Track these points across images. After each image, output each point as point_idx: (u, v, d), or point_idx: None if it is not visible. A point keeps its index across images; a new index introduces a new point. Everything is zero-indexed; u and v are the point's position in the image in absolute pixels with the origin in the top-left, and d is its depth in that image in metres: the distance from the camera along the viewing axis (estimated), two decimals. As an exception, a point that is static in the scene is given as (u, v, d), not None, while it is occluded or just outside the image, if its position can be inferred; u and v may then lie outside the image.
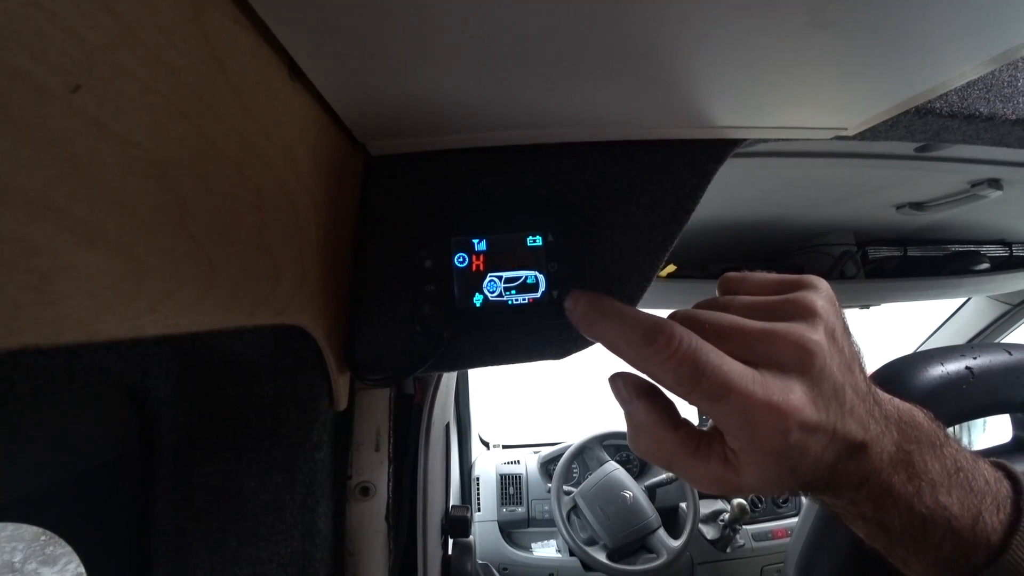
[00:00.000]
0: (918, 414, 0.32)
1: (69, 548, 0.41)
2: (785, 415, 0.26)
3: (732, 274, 0.37)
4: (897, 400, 0.32)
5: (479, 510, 1.81)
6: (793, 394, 0.27)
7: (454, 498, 1.65)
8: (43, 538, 2.58)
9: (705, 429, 0.31)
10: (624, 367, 0.32)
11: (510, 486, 1.86)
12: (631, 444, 0.33)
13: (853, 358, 0.31)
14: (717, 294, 0.36)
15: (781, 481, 0.28)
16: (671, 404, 0.32)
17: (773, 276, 0.35)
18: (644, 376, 0.31)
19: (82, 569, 0.42)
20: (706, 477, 0.29)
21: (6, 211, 0.14)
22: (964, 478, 0.30)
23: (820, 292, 0.32)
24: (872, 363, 0.55)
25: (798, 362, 0.28)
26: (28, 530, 2.49)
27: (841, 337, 0.31)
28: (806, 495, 0.32)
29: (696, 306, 0.34)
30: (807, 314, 0.30)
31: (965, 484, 0.30)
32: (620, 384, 0.33)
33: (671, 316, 0.32)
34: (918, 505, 0.29)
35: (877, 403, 0.31)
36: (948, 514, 0.29)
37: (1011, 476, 0.32)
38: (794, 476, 0.28)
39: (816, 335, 0.29)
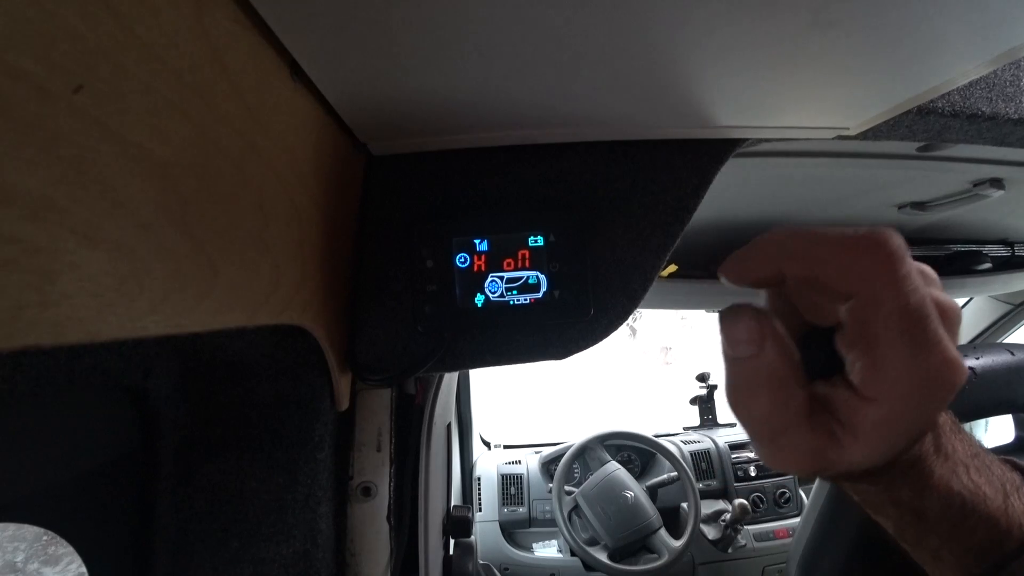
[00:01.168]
0: None
1: (71, 548, 0.41)
2: (962, 374, 0.23)
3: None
4: None
5: (480, 510, 1.81)
6: (894, 238, 0.23)
7: (455, 498, 1.65)
8: (45, 538, 2.58)
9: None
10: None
11: (511, 486, 1.86)
12: (735, 403, 0.26)
13: None
14: (718, 299, 0.33)
15: (885, 458, 0.25)
16: (797, 359, 0.26)
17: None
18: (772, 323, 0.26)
19: (84, 569, 0.42)
20: (808, 450, 0.25)
21: (8, 211, 0.14)
22: (983, 462, 0.30)
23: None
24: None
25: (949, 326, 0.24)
26: (30, 530, 2.49)
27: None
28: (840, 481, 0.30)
29: None
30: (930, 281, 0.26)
31: (986, 467, 0.29)
32: (750, 320, 0.25)
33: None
34: (956, 484, 0.27)
35: None
36: (983, 493, 0.28)
37: (1017, 467, 0.32)
38: (905, 445, 0.25)
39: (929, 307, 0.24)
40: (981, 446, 0.31)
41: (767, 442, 0.25)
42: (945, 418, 0.30)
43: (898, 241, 0.23)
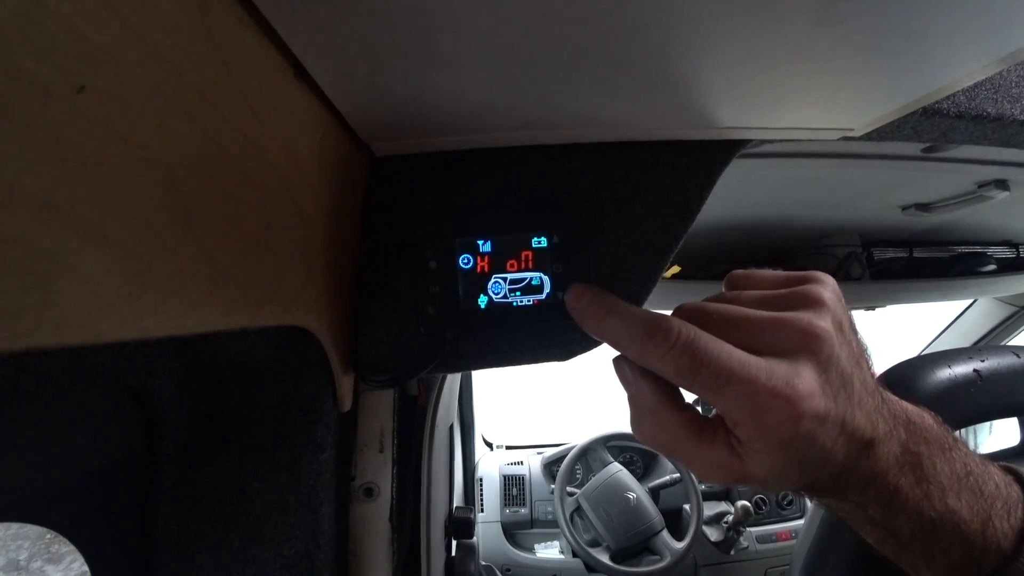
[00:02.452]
0: (927, 417, 0.32)
1: (74, 547, 0.41)
2: (793, 402, 0.26)
3: (738, 271, 0.37)
4: (905, 403, 0.32)
5: (482, 511, 1.81)
6: (801, 380, 0.26)
7: (457, 499, 1.65)
8: (48, 537, 2.59)
9: (710, 416, 0.30)
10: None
11: (513, 487, 1.86)
12: (633, 429, 0.32)
13: (860, 353, 0.30)
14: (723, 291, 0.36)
15: (787, 474, 0.28)
16: (675, 388, 0.31)
17: (779, 272, 0.35)
18: None
19: (86, 568, 0.42)
20: (709, 462, 0.29)
21: (10, 212, 0.14)
22: (974, 482, 0.30)
23: (826, 285, 0.32)
24: (879, 366, 0.55)
25: (806, 348, 0.27)
26: (33, 529, 2.50)
27: (848, 330, 0.30)
28: (811, 497, 0.32)
29: (704, 300, 0.34)
30: (814, 303, 0.30)
31: (975, 488, 0.30)
32: (624, 366, 0.32)
33: (678, 308, 0.33)
34: (927, 509, 0.29)
35: (885, 402, 0.30)
36: (958, 519, 0.29)
37: (1021, 480, 0.32)
38: (801, 470, 0.27)
39: (823, 322, 0.28)
40: (979, 462, 0.31)
41: (674, 457, 0.32)
42: (939, 435, 0.31)
43: (803, 387, 0.27)
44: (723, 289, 0.37)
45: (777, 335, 0.28)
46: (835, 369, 0.28)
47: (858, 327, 0.32)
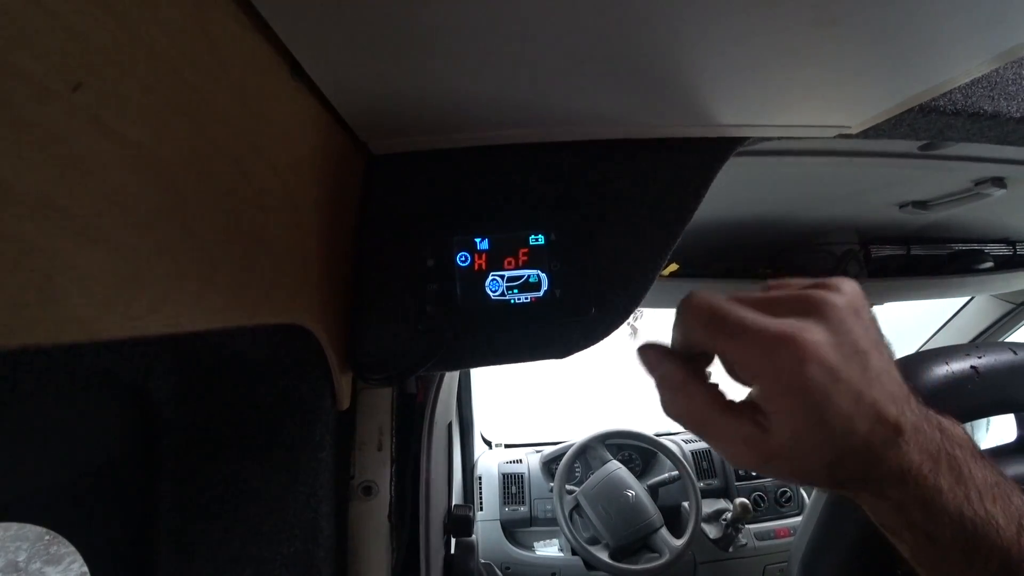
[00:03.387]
0: (958, 426, 0.32)
1: (73, 548, 0.41)
2: (799, 345, 0.27)
3: (775, 281, 0.37)
4: (935, 412, 0.32)
5: (481, 509, 1.80)
6: (808, 331, 0.27)
7: (456, 497, 1.65)
8: (47, 537, 2.58)
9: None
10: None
11: (512, 485, 1.86)
12: (665, 409, 0.33)
13: (880, 341, 0.31)
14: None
15: (810, 441, 0.28)
16: (698, 366, 0.33)
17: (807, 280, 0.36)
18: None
19: (86, 569, 0.42)
20: (737, 436, 0.29)
21: (7, 210, 0.14)
22: (1003, 491, 0.30)
23: (847, 282, 0.32)
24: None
25: (817, 312, 0.29)
26: (32, 529, 2.50)
27: (866, 317, 0.31)
28: (848, 492, 0.31)
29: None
30: (830, 287, 0.31)
31: (1006, 496, 0.30)
32: (648, 353, 0.34)
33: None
34: (967, 511, 0.28)
35: (913, 398, 0.30)
36: (996, 524, 0.28)
37: None
38: (823, 436, 0.27)
39: (836, 297, 0.29)
40: (1003, 476, 0.31)
41: (702, 433, 0.31)
42: (971, 442, 0.31)
43: (810, 336, 0.28)
44: (721, 290, 0.38)
45: (792, 305, 0.30)
46: (846, 337, 0.28)
47: (882, 329, 0.32)
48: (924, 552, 0.30)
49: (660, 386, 0.33)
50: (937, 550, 0.29)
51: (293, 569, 0.44)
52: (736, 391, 0.32)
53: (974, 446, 0.31)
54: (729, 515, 1.69)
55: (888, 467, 0.28)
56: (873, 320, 0.31)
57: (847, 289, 0.31)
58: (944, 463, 0.29)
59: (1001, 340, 1.61)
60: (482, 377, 1.92)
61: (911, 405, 0.30)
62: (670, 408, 0.32)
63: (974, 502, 0.29)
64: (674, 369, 0.32)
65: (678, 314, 0.32)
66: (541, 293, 0.43)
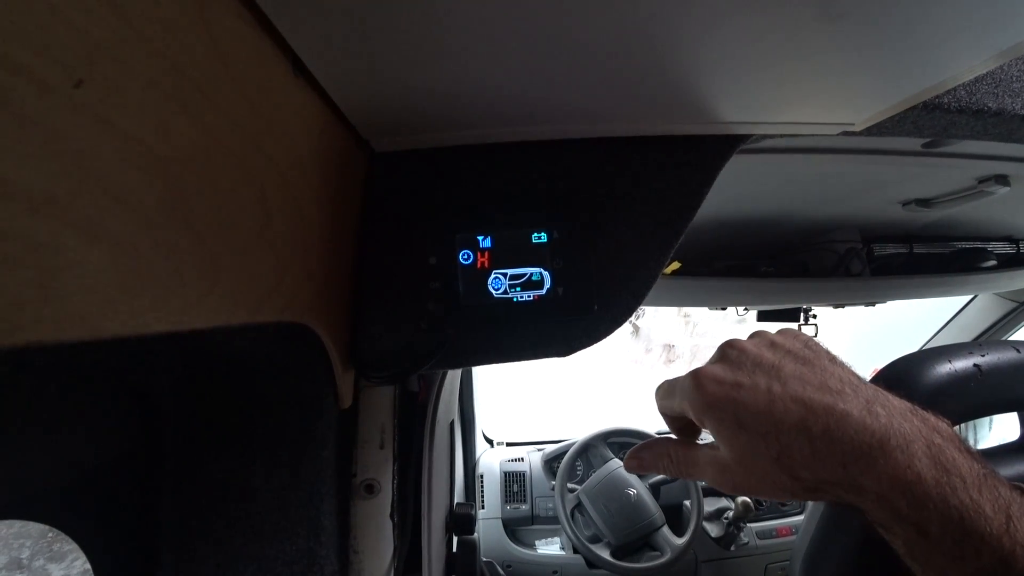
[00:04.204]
0: (943, 421, 0.32)
1: (76, 545, 0.41)
2: (695, 374, 0.34)
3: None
4: (910, 403, 0.32)
5: (483, 507, 1.81)
6: (707, 367, 0.35)
7: (458, 495, 1.65)
8: (50, 535, 2.59)
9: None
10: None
11: (514, 483, 1.86)
12: (653, 470, 0.40)
13: (815, 355, 0.35)
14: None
15: (753, 446, 0.31)
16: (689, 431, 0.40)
17: None
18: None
19: (89, 566, 0.42)
20: (702, 461, 0.36)
21: (8, 207, 0.14)
22: (990, 482, 0.30)
23: (766, 333, 0.38)
24: (878, 361, 0.55)
25: (717, 356, 0.36)
26: (35, 527, 2.51)
27: (783, 343, 0.36)
28: (824, 493, 0.32)
29: None
30: (734, 341, 0.37)
31: (992, 486, 0.29)
32: (627, 459, 0.41)
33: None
34: (953, 499, 0.28)
35: (882, 393, 0.32)
36: (983, 514, 0.28)
37: (1020, 488, 0.32)
38: (763, 439, 0.31)
39: (735, 340, 0.37)
40: (991, 470, 0.31)
41: (685, 473, 0.37)
42: (953, 433, 0.31)
43: (705, 367, 0.35)
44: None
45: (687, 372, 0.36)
46: (743, 357, 0.34)
47: (823, 348, 0.36)
48: (916, 546, 0.30)
49: (650, 465, 0.40)
50: (928, 543, 0.29)
51: (295, 567, 0.44)
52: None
53: (958, 438, 0.31)
54: (731, 513, 1.69)
55: (844, 452, 0.30)
56: (796, 340, 0.36)
57: (762, 334, 0.38)
58: (921, 449, 0.29)
59: (1004, 338, 1.61)
60: (484, 375, 1.92)
61: (862, 392, 0.32)
62: (659, 468, 0.39)
63: (959, 490, 0.29)
64: (650, 449, 0.40)
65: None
66: (544, 291, 0.43)
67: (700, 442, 0.38)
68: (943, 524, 0.29)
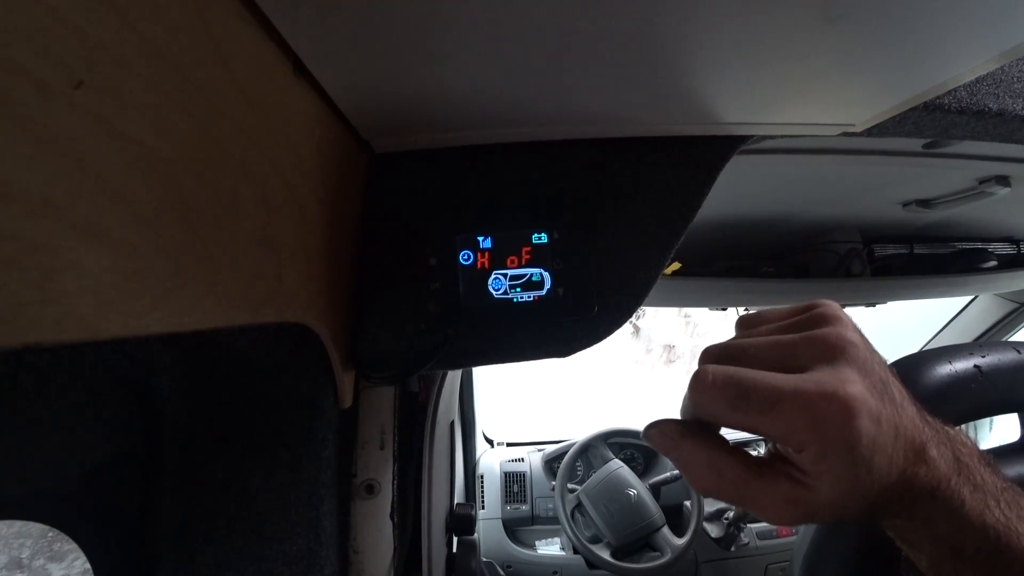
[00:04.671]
0: (961, 432, 0.31)
1: (76, 545, 0.41)
2: (847, 402, 0.26)
3: (746, 314, 0.36)
4: (938, 420, 0.31)
5: (483, 508, 1.81)
6: (850, 383, 0.26)
7: (458, 496, 1.65)
8: (50, 535, 2.59)
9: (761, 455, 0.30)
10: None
11: (514, 484, 1.86)
12: (695, 487, 0.31)
13: (885, 362, 0.30)
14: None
15: (857, 489, 0.26)
16: (720, 435, 0.31)
17: (784, 307, 0.35)
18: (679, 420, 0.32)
19: (89, 566, 0.42)
20: (777, 498, 0.27)
21: (7, 208, 0.14)
22: (1012, 496, 0.29)
23: (835, 305, 0.32)
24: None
25: (842, 356, 0.28)
26: (35, 527, 2.51)
27: (869, 343, 0.30)
28: (879, 520, 0.30)
29: (724, 342, 0.33)
30: (832, 320, 0.30)
31: (1015, 501, 0.29)
32: (659, 432, 0.31)
33: (702, 353, 0.33)
34: (989, 518, 0.28)
35: (922, 412, 0.30)
36: (1015, 529, 0.28)
37: None
38: (870, 481, 0.26)
39: (849, 333, 0.29)
40: (1009, 481, 0.31)
41: (740, 503, 0.29)
42: (977, 449, 0.30)
43: (852, 389, 0.26)
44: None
45: (810, 351, 0.28)
46: (872, 373, 0.28)
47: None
48: (945, 563, 0.29)
49: (684, 470, 0.31)
50: (959, 561, 0.28)
51: (295, 567, 0.44)
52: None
53: (980, 452, 0.31)
54: (731, 514, 1.69)
55: (919, 487, 0.28)
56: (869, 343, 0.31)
57: (845, 317, 0.30)
58: (963, 473, 0.29)
59: (1005, 339, 1.60)
60: (484, 376, 1.92)
61: (926, 419, 0.29)
62: (701, 486, 0.30)
63: (992, 509, 0.28)
64: (696, 448, 0.30)
65: (692, 392, 0.29)
66: (544, 292, 0.43)
67: (745, 449, 0.30)
68: (979, 544, 0.28)
